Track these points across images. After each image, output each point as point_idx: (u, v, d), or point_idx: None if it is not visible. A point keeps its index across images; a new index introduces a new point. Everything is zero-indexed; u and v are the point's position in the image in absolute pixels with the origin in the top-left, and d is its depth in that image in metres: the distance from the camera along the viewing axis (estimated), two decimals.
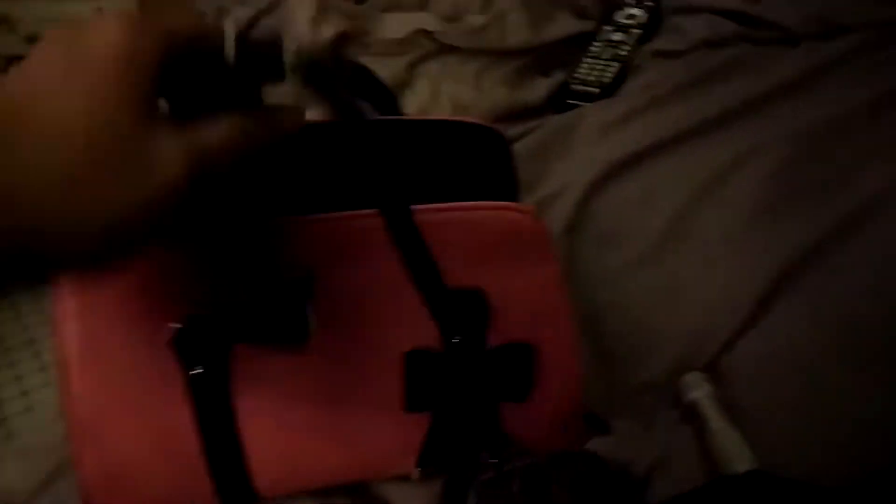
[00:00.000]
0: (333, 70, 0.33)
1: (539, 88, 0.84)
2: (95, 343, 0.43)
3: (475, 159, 0.46)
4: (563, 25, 0.91)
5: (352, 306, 0.44)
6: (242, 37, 0.30)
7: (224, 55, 0.30)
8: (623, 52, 0.87)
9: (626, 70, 0.86)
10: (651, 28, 0.91)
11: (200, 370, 0.43)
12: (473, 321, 0.45)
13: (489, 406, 0.47)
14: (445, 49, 0.90)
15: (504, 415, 0.48)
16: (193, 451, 0.46)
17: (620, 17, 0.92)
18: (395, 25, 0.92)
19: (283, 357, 0.45)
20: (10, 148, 0.27)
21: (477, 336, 0.45)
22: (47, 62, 0.29)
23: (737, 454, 0.50)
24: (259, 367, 0.45)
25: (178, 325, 0.42)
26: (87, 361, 0.43)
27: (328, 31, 0.90)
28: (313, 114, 0.36)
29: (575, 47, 0.90)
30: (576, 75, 0.85)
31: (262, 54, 0.30)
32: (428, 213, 0.43)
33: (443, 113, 0.81)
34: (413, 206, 0.42)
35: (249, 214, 0.36)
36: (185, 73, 0.30)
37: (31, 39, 1.65)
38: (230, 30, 0.30)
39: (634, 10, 0.93)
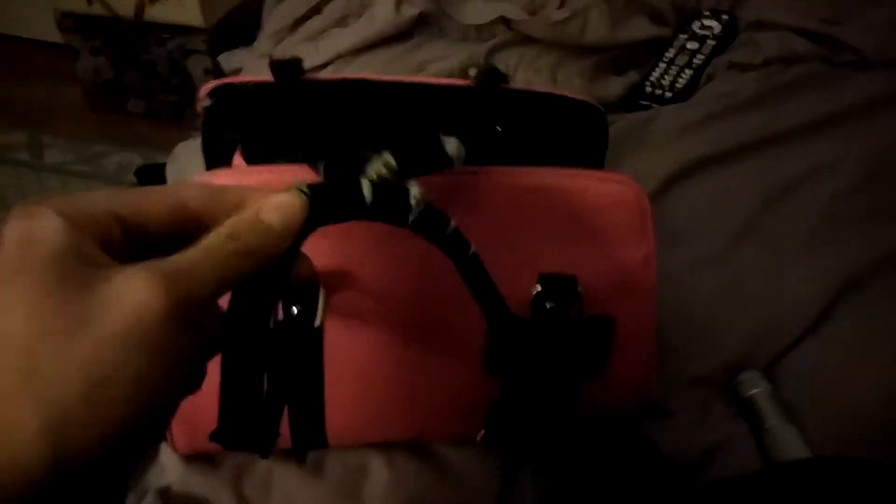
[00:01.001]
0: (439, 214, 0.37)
1: (614, 86, 0.86)
2: None
3: (578, 128, 0.47)
4: (641, 29, 0.93)
5: (447, 264, 0.46)
6: (378, 183, 0.34)
7: (363, 199, 0.34)
8: (697, 61, 0.89)
9: (699, 78, 0.87)
10: (726, 40, 0.93)
11: (300, 309, 0.45)
12: (562, 297, 0.46)
13: (564, 378, 0.48)
14: (524, 39, 0.92)
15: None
16: None
17: (696, 28, 0.94)
18: (476, 12, 0.94)
19: (373, 307, 0.46)
20: None
21: (563, 309, 0.46)
22: None
23: (793, 449, 0.51)
24: (349, 320, 0.47)
25: None
26: None
27: (411, 10, 0.93)
28: None
29: (650, 51, 0.92)
30: (650, 78, 0.87)
31: (392, 200, 0.35)
32: (532, 175, 0.45)
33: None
34: (520, 168, 0.44)
35: None
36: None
37: None
38: (365, 179, 0.34)
39: (711, 22, 0.94)
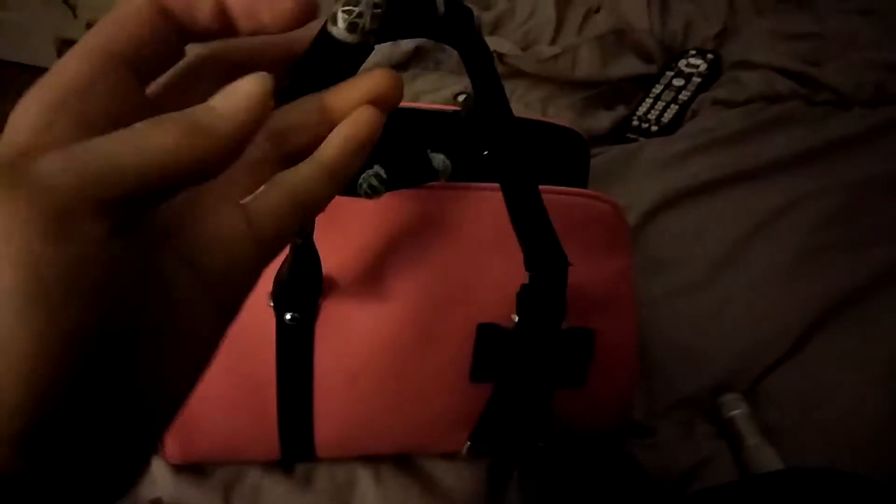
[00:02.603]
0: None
1: (602, 120, 0.89)
2: None
3: (561, 154, 0.50)
4: (629, 65, 0.96)
5: (435, 273, 0.47)
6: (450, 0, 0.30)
7: (436, 12, 0.29)
8: (683, 97, 0.92)
9: (685, 113, 0.90)
10: (711, 78, 0.96)
11: (293, 317, 0.46)
12: (548, 307, 0.47)
13: (547, 388, 0.50)
14: (515, 74, 0.95)
15: (559, 397, 0.50)
16: (269, 400, 0.49)
17: (682, 65, 0.97)
18: None
19: (363, 320, 0.48)
20: None
21: (548, 320, 0.47)
22: None
23: (770, 467, 0.53)
24: (339, 329, 0.48)
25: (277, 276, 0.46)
26: None
27: (407, 44, 0.96)
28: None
29: (638, 87, 0.95)
30: (637, 112, 0.90)
31: (462, 17, 0.31)
32: None
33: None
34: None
35: None
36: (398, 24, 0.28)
37: (90, 26, 1.72)
38: None
39: (696, 60, 0.98)
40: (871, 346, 0.60)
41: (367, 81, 0.26)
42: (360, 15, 0.25)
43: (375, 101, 0.26)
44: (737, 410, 0.57)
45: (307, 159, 0.25)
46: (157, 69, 0.24)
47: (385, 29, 0.26)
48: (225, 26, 0.25)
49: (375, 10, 0.25)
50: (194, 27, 0.24)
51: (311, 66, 0.27)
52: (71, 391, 0.19)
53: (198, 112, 0.21)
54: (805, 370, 0.60)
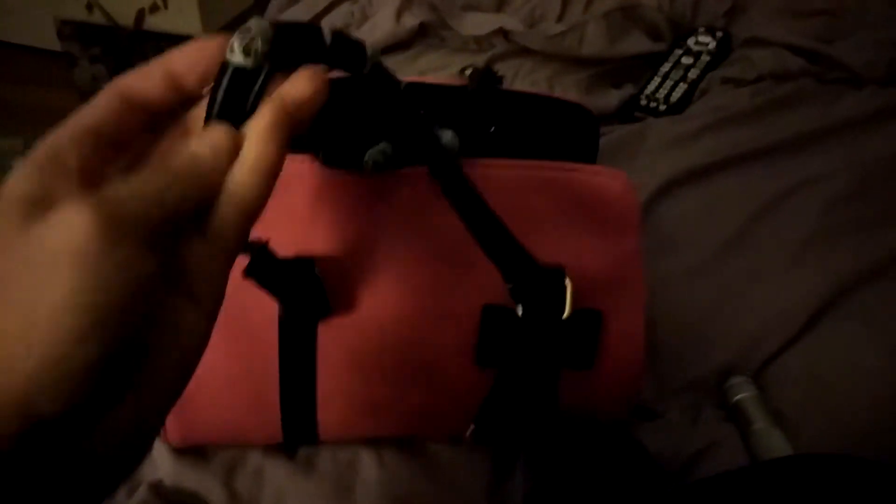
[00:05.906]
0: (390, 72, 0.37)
1: (610, 98, 0.87)
2: None
3: (570, 130, 0.48)
4: (637, 43, 0.95)
5: (440, 254, 0.46)
6: (337, 33, 0.33)
7: (322, 42, 0.33)
8: (692, 75, 0.91)
9: (694, 92, 0.89)
10: (720, 56, 0.94)
11: (298, 300, 0.45)
12: (552, 290, 0.46)
13: (553, 370, 0.49)
14: (521, 51, 0.93)
15: (565, 381, 0.49)
16: (272, 382, 0.48)
17: (691, 43, 0.96)
18: (476, 23, 0.95)
19: (365, 300, 0.47)
20: None
21: (553, 301, 0.46)
22: None
23: (779, 450, 0.52)
24: (342, 311, 0.47)
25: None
26: None
27: (411, 21, 0.94)
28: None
29: (646, 65, 0.94)
30: (646, 91, 0.89)
31: (349, 48, 0.34)
32: (524, 168, 0.46)
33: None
34: (512, 160, 0.45)
35: None
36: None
37: (90, 7, 1.70)
38: (326, 27, 0.33)
39: (705, 38, 0.96)
40: (881, 329, 0.59)
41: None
42: (252, 39, 0.29)
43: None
44: (744, 394, 0.56)
45: (235, 165, 0.30)
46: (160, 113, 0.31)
47: (276, 55, 0.30)
48: (176, 90, 0.31)
49: (265, 35, 0.29)
50: (154, 102, 0.31)
51: (218, 94, 0.30)
52: (95, 377, 0.24)
53: (193, 170, 0.28)
54: (814, 353, 0.59)
